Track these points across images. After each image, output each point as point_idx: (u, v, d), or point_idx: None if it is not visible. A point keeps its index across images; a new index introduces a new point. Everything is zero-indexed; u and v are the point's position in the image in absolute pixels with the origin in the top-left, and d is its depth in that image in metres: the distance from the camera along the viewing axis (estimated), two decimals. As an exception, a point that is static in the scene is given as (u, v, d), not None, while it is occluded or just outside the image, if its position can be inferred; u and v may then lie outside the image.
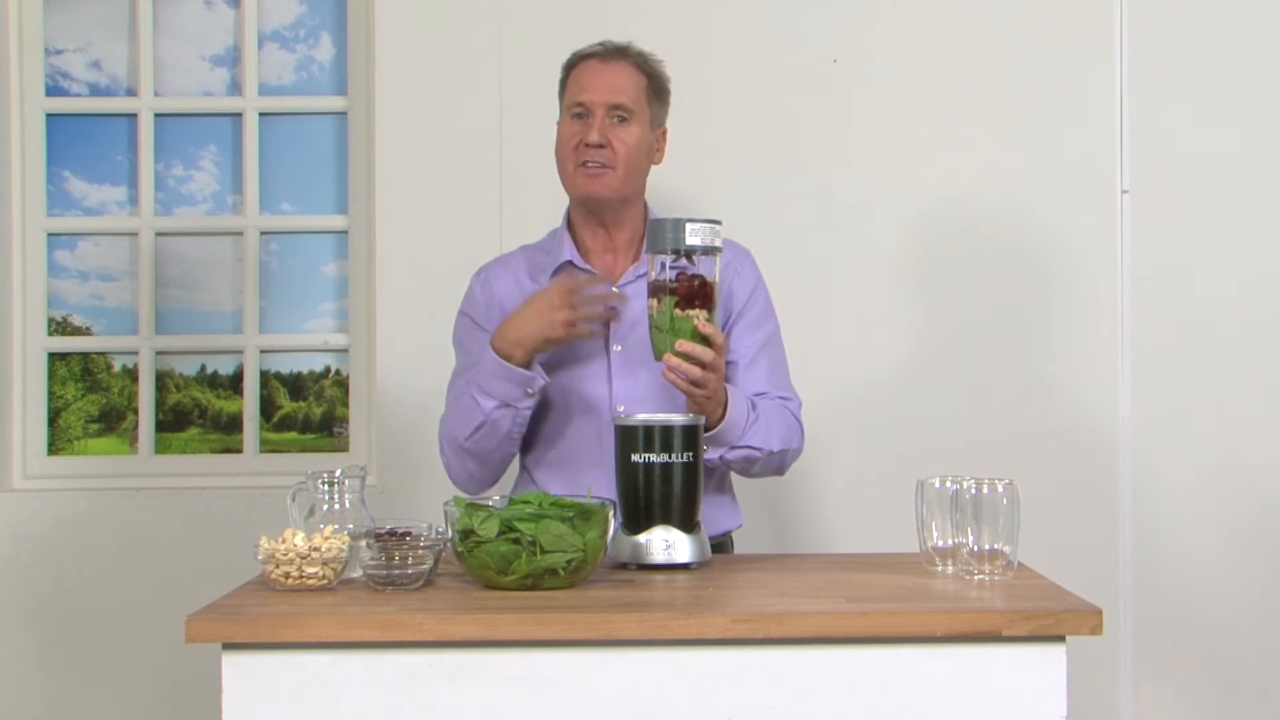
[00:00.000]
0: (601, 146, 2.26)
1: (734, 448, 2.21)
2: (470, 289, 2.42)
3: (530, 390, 2.21)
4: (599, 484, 2.16)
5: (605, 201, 2.31)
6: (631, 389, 2.28)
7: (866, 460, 3.09)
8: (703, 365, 2.08)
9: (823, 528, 3.12)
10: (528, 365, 2.20)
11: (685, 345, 2.07)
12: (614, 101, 2.28)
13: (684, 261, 2.10)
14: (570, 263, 2.35)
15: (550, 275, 2.35)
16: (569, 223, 2.39)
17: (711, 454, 2.18)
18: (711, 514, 2.23)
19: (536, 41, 3.10)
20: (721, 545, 2.35)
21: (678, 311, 2.09)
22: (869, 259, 3.12)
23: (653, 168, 2.39)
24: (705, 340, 2.09)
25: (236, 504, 3.10)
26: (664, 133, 2.38)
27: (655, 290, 2.11)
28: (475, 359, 2.30)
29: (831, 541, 3.08)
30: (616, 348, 2.30)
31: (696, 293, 2.09)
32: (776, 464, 2.30)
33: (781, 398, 2.33)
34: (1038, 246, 3.11)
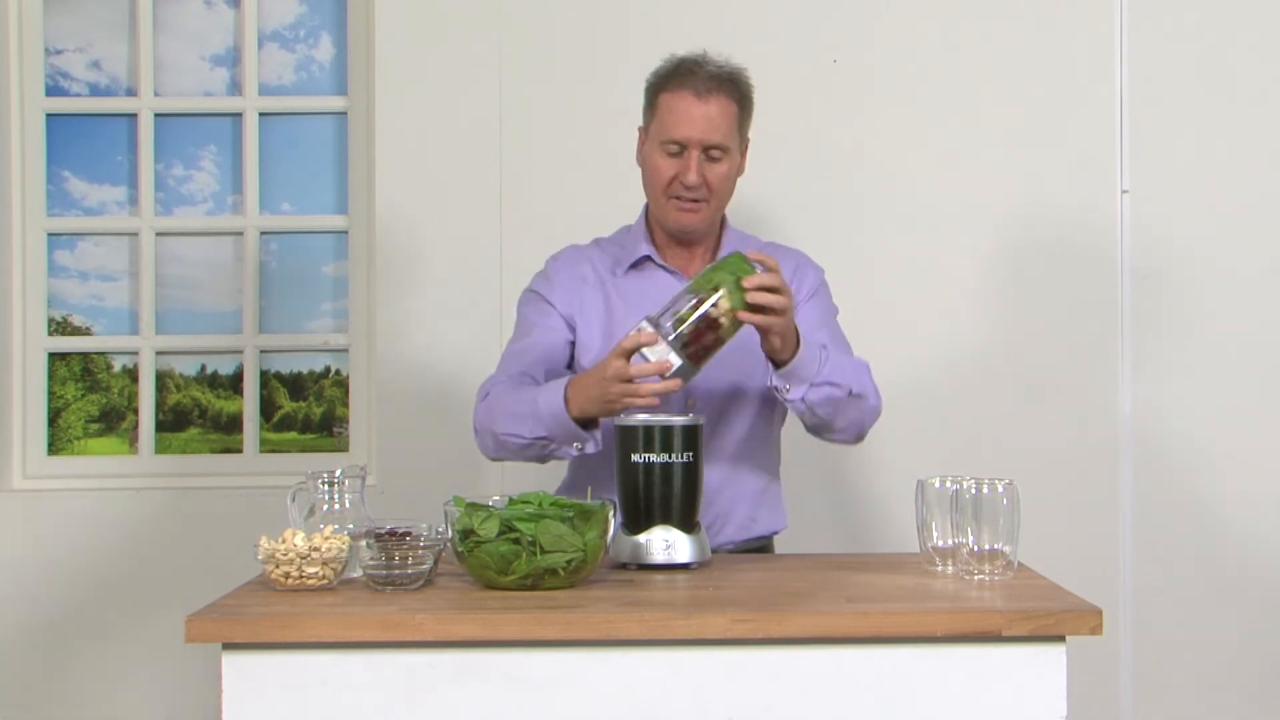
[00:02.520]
0: (698, 186, 2.27)
1: (813, 385, 2.16)
2: (545, 270, 2.42)
3: (579, 447, 2.18)
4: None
5: (697, 231, 2.34)
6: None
7: (867, 460, 3.09)
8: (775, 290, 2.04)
9: (823, 528, 3.12)
10: (589, 423, 2.16)
11: (752, 280, 2.03)
12: (711, 142, 2.26)
13: (681, 329, 2.06)
14: (649, 258, 2.36)
15: (627, 269, 2.36)
16: (646, 220, 2.40)
17: (794, 394, 2.14)
18: (761, 514, 2.29)
19: (536, 41, 3.10)
20: (764, 546, 2.39)
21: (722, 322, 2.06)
22: (866, 259, 3.12)
23: None
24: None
25: (236, 504, 3.10)
26: (747, 143, 2.37)
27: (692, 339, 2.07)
28: (530, 329, 2.31)
29: (831, 541, 3.09)
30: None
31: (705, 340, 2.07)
32: (856, 417, 2.24)
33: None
34: (1037, 246, 3.11)
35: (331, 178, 3.31)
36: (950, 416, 3.10)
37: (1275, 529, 3.09)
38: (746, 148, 2.36)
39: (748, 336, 2.11)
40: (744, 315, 2.04)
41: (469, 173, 3.13)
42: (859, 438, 2.31)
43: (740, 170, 2.36)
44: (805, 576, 2.02)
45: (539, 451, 2.21)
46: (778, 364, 2.14)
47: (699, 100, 2.26)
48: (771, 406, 2.35)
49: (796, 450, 3.13)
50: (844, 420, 2.24)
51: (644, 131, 2.35)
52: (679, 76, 2.28)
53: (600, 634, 1.72)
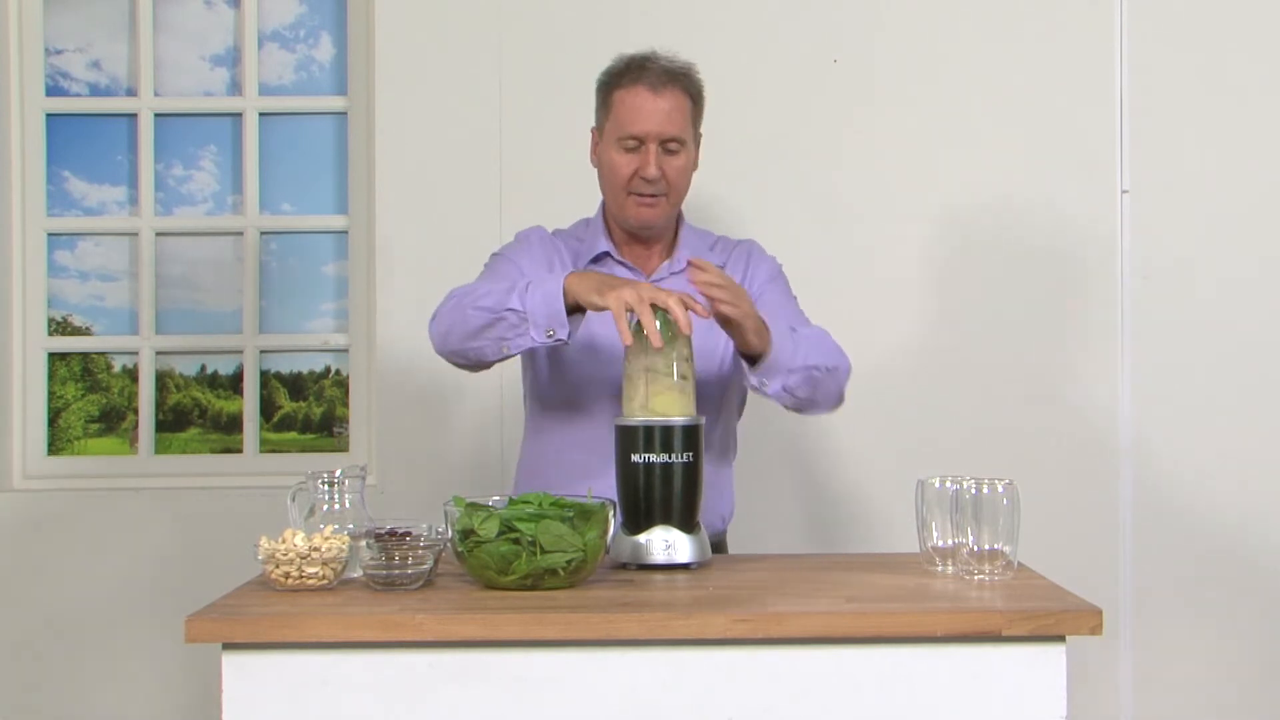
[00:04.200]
0: (657, 179, 2.28)
1: (790, 371, 2.15)
2: (518, 238, 2.42)
3: (550, 333, 2.10)
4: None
5: (656, 227, 2.35)
6: None
7: (866, 459, 3.09)
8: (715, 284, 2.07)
9: (823, 528, 3.12)
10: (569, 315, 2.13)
11: (699, 277, 2.06)
12: (668, 135, 2.28)
13: None
14: (608, 254, 2.37)
15: (587, 264, 2.37)
16: (604, 217, 2.40)
17: (773, 387, 2.14)
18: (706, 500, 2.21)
19: (536, 41, 3.10)
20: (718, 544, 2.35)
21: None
22: (868, 259, 3.12)
23: None
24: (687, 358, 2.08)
25: (236, 504, 3.10)
26: (700, 137, 2.38)
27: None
28: (499, 278, 2.28)
29: (831, 541, 3.09)
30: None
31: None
32: (833, 387, 2.25)
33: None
34: (1037, 246, 3.11)
35: (331, 178, 3.31)
36: (950, 415, 3.10)
37: (1275, 529, 3.09)
38: (699, 142, 2.37)
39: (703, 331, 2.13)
40: (704, 311, 2.05)
41: (469, 173, 3.13)
42: (839, 403, 2.31)
43: (695, 165, 2.36)
44: (805, 576, 2.02)
45: (501, 334, 2.13)
46: (754, 359, 2.13)
47: (654, 95, 2.27)
48: (724, 399, 2.35)
49: (798, 450, 3.14)
50: (823, 395, 2.24)
51: (598, 131, 2.37)
52: (632, 73, 2.30)
53: (600, 634, 1.72)
